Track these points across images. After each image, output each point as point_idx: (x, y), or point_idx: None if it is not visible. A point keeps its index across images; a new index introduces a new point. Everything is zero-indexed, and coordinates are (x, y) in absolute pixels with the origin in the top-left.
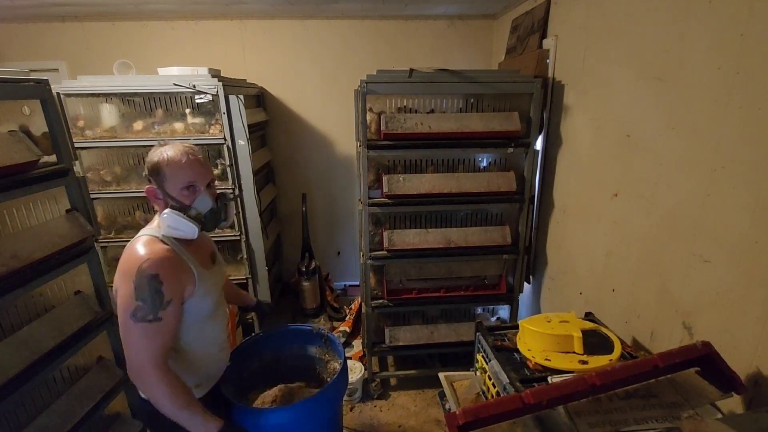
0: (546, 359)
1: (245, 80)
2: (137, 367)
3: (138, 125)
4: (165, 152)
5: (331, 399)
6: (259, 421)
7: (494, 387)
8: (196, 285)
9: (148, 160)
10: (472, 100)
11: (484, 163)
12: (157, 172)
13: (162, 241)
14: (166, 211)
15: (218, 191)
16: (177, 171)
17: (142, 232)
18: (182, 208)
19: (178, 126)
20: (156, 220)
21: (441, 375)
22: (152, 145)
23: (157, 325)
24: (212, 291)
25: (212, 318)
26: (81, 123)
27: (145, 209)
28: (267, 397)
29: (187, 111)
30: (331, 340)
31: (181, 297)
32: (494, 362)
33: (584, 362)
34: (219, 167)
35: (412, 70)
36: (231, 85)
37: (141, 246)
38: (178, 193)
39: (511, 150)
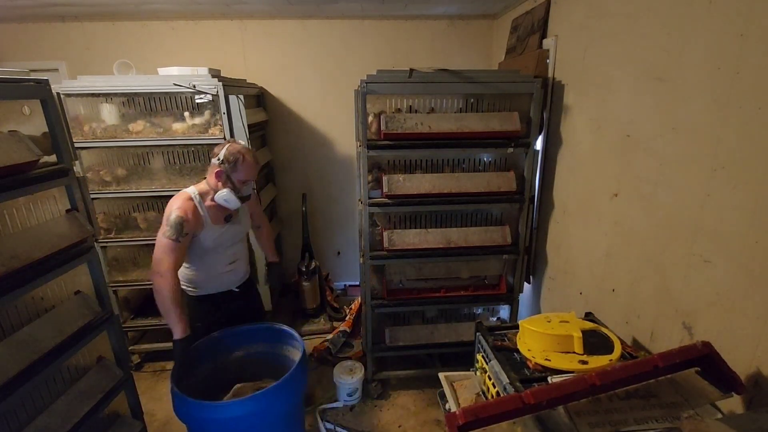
0: (546, 359)
1: (245, 80)
2: (156, 268)
3: (138, 125)
4: (244, 153)
5: (285, 393)
6: (203, 415)
7: (494, 387)
8: (203, 230)
9: (229, 152)
10: (472, 100)
11: (484, 163)
12: (233, 163)
13: (192, 199)
14: (225, 190)
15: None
16: (247, 170)
17: (188, 189)
18: (235, 190)
19: (179, 126)
20: (201, 185)
21: (441, 375)
22: (152, 145)
23: (176, 245)
24: (210, 239)
25: (208, 255)
26: (81, 123)
27: (145, 209)
28: (228, 396)
29: (187, 111)
30: (285, 333)
31: (193, 233)
32: (494, 362)
33: (584, 362)
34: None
35: (412, 70)
36: (231, 85)
37: (179, 200)
38: (238, 181)
39: (511, 150)
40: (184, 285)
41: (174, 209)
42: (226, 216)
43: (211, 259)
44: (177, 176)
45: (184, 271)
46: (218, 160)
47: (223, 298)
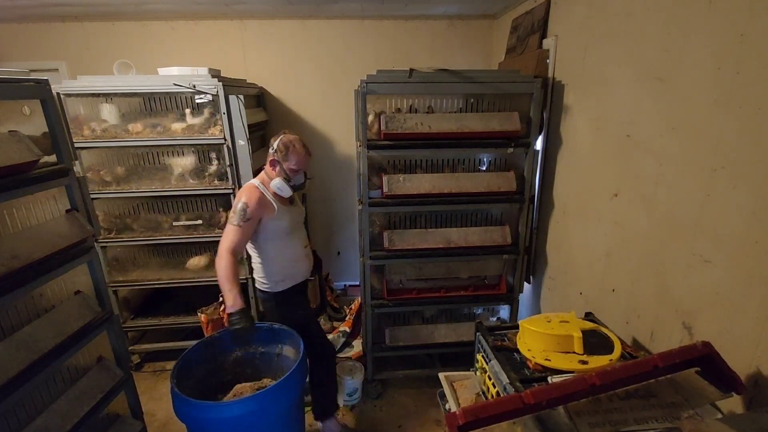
0: (546, 359)
1: (245, 80)
2: (221, 249)
3: (138, 125)
4: (295, 143)
5: (285, 393)
6: (201, 414)
7: (494, 387)
8: (276, 212)
9: (282, 142)
10: (472, 100)
11: (484, 163)
12: (285, 151)
13: (257, 187)
14: (277, 179)
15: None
16: (298, 159)
17: (254, 179)
18: (287, 179)
19: (179, 126)
20: (261, 175)
21: (441, 375)
22: (152, 145)
23: (239, 229)
24: (286, 218)
25: (289, 237)
26: (81, 123)
27: (146, 209)
28: (228, 396)
29: (187, 111)
30: (285, 333)
31: (257, 219)
32: (494, 362)
33: (584, 362)
34: (213, 163)
35: (412, 70)
36: (231, 85)
37: (245, 189)
38: (289, 170)
39: (511, 150)
40: (273, 284)
41: (240, 198)
42: (289, 198)
43: (291, 242)
44: (177, 176)
45: (269, 268)
46: (272, 149)
47: (303, 286)
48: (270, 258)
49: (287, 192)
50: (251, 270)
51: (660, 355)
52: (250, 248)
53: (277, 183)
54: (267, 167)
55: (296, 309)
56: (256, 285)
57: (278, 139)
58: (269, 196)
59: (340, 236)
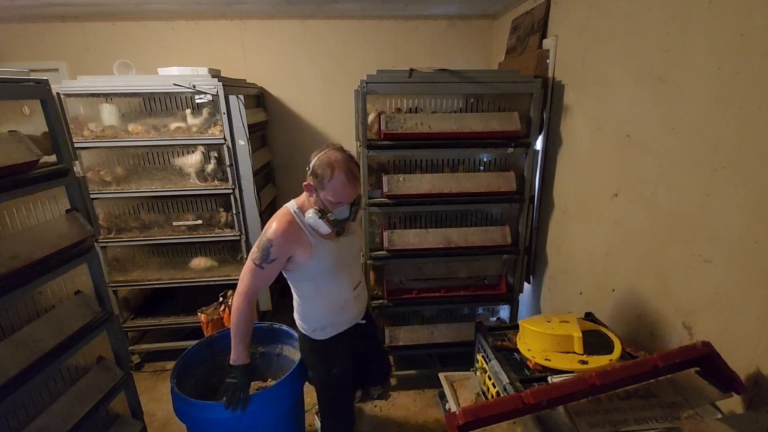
0: (546, 359)
1: (245, 80)
2: (237, 291)
3: (138, 125)
4: (336, 165)
5: (285, 393)
6: (204, 415)
7: (494, 387)
8: (312, 251)
9: (319, 162)
10: (472, 100)
11: (484, 163)
12: (321, 177)
13: (292, 216)
14: (311, 211)
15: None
16: (337, 187)
17: (290, 203)
18: (323, 212)
19: (179, 126)
20: (301, 198)
21: (441, 375)
22: (152, 145)
23: (260, 272)
24: (329, 256)
25: (334, 277)
26: (81, 123)
27: (146, 209)
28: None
29: (187, 111)
30: (285, 333)
31: (285, 259)
32: (494, 362)
33: (584, 362)
34: (213, 163)
35: (412, 70)
36: (231, 85)
37: (277, 218)
38: (327, 200)
39: (511, 150)
40: (310, 330)
41: (269, 230)
42: (338, 229)
43: (335, 284)
44: (177, 176)
45: (306, 311)
46: (309, 169)
47: (354, 334)
48: (307, 299)
49: (323, 229)
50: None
51: (660, 355)
52: (287, 277)
53: (310, 217)
54: (305, 192)
55: (330, 365)
56: (295, 319)
57: (317, 157)
58: (306, 230)
59: None
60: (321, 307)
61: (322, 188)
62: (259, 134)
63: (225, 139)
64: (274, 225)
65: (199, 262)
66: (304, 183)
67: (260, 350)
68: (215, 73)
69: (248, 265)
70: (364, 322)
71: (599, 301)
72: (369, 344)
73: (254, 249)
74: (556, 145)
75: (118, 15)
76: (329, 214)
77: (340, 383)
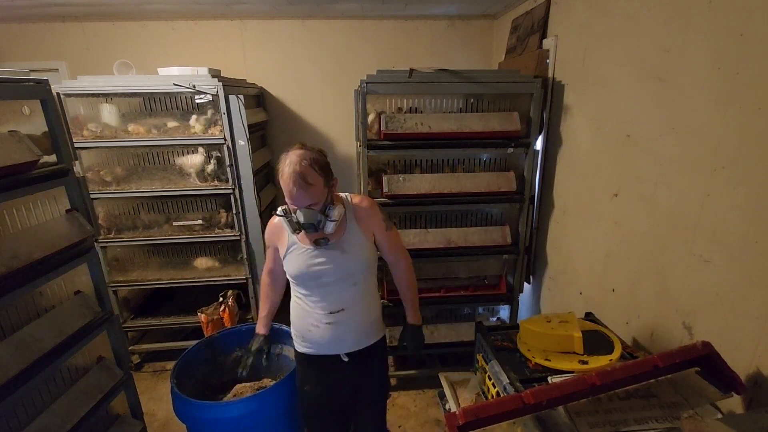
0: (546, 359)
1: (245, 80)
2: None
3: (138, 125)
4: (283, 167)
5: (285, 393)
6: (200, 414)
7: (494, 387)
8: (286, 251)
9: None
10: (472, 100)
11: (484, 163)
12: (277, 175)
13: (279, 215)
14: (279, 209)
15: (319, 206)
16: (284, 188)
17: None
18: (287, 212)
19: (178, 126)
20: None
21: (441, 375)
22: (152, 146)
23: (268, 250)
24: (296, 262)
25: (303, 288)
26: (81, 123)
27: (146, 209)
28: (228, 396)
29: (188, 111)
30: (285, 333)
31: (273, 249)
32: (494, 362)
33: (584, 362)
34: (212, 162)
35: (412, 70)
36: (231, 85)
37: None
38: (286, 201)
39: (511, 150)
40: (293, 335)
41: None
42: (318, 239)
43: (303, 298)
44: (177, 176)
45: (291, 315)
46: None
47: (327, 364)
48: (293, 301)
49: (290, 230)
50: None
51: (660, 355)
52: None
53: (278, 213)
54: None
55: (303, 380)
56: None
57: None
58: (287, 226)
59: None
60: (293, 314)
61: (280, 186)
62: (259, 134)
63: (225, 139)
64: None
65: (202, 262)
66: None
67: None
68: (215, 73)
69: None
70: (346, 359)
71: (599, 301)
72: (356, 381)
73: None
74: (556, 145)
75: (118, 15)
76: (291, 216)
77: (311, 404)
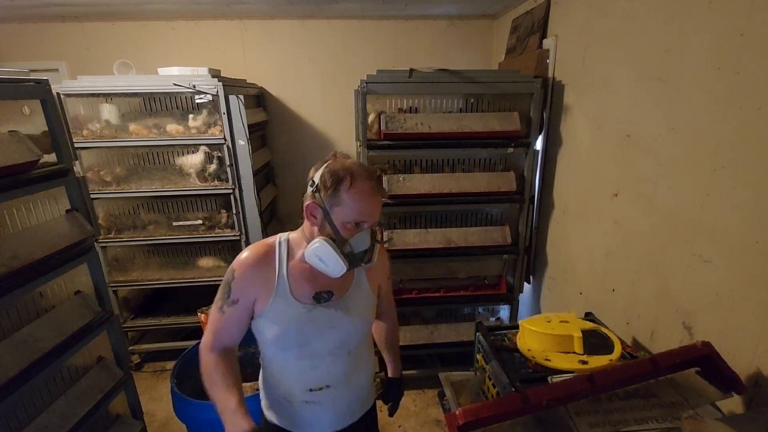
0: (546, 359)
1: (245, 80)
2: (201, 343)
3: (138, 125)
4: (355, 170)
5: None
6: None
7: (494, 387)
8: (268, 305)
9: (330, 169)
10: (472, 100)
11: (484, 163)
12: (336, 187)
13: (272, 246)
14: (319, 239)
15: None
16: (357, 203)
17: (282, 233)
18: (337, 240)
19: (178, 126)
20: (297, 231)
21: (441, 375)
22: (152, 146)
23: (219, 316)
24: (287, 323)
25: (281, 355)
26: (81, 123)
27: (146, 209)
28: None
29: (188, 111)
30: None
31: (250, 305)
32: (494, 362)
33: (584, 362)
34: (214, 163)
35: (412, 70)
36: (231, 85)
37: (252, 247)
38: (341, 224)
39: (511, 150)
40: (263, 398)
41: (237, 259)
42: (319, 293)
43: (277, 365)
44: (177, 176)
45: (263, 375)
46: (311, 183)
47: None
48: (264, 363)
49: (336, 266)
50: None
51: (660, 355)
52: None
53: (316, 248)
54: (305, 220)
55: None
56: None
57: (324, 166)
58: (278, 268)
59: None
60: (277, 386)
61: (337, 203)
62: (259, 134)
63: (225, 139)
64: (244, 253)
65: (202, 262)
66: (306, 203)
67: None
68: (215, 73)
69: (211, 310)
70: None
71: (599, 301)
72: None
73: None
74: (556, 145)
75: (118, 15)
76: (344, 245)
77: None
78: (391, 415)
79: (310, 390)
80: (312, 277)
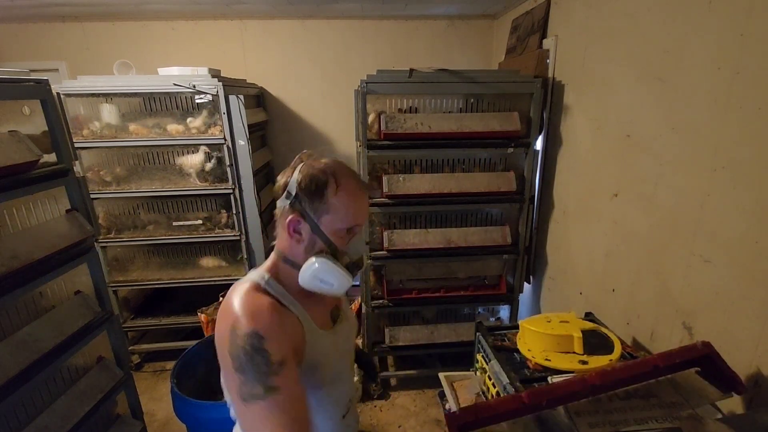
0: (546, 359)
1: (245, 80)
2: None
3: (138, 125)
4: (338, 171)
5: None
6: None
7: (494, 387)
8: (306, 349)
9: (308, 174)
10: (472, 100)
11: (484, 163)
12: (319, 193)
13: (260, 288)
14: (315, 259)
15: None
16: (349, 206)
17: (247, 276)
18: (335, 253)
19: (178, 126)
20: (269, 261)
21: (441, 375)
22: (152, 146)
23: (274, 400)
24: (328, 357)
25: (329, 392)
26: (81, 123)
27: (146, 209)
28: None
29: (188, 111)
30: None
31: (295, 356)
32: (494, 362)
33: (584, 362)
34: (213, 163)
35: (412, 70)
36: (231, 85)
37: (236, 299)
38: (333, 233)
39: (511, 150)
40: None
41: (240, 323)
42: (331, 311)
43: (323, 408)
44: (178, 176)
45: None
46: (286, 194)
47: None
48: None
49: (344, 283)
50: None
51: (660, 355)
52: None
53: (315, 269)
54: (280, 241)
55: None
56: None
57: (297, 170)
58: (294, 308)
59: None
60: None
61: (326, 210)
62: (259, 134)
63: (225, 139)
64: (241, 313)
65: (205, 262)
66: (287, 219)
67: None
68: (215, 73)
69: (247, 414)
70: None
71: (599, 301)
72: None
73: (232, 379)
74: (556, 145)
75: (118, 15)
76: (342, 256)
77: None
78: (374, 379)
79: (343, 417)
80: (318, 299)
